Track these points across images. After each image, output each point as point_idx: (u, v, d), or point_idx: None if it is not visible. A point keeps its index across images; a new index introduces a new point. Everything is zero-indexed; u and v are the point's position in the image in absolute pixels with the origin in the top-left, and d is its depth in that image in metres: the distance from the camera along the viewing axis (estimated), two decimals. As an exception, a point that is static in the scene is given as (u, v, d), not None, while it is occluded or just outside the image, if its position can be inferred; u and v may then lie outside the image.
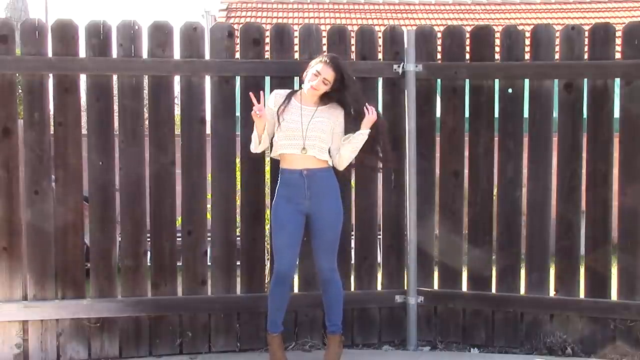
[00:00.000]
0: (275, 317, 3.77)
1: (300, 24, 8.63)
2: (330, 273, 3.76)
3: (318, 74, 3.62)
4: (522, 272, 4.13)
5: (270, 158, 4.07)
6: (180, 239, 4.05)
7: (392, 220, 4.21)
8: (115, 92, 3.95)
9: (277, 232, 3.71)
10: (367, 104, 3.72)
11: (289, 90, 3.83)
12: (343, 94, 3.68)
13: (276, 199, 3.75)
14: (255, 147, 3.77)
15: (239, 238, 4.12)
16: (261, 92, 3.73)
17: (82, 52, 3.92)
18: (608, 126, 3.98)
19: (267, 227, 4.26)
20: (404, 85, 4.09)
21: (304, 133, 3.64)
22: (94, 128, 3.95)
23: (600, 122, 3.99)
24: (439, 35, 4.15)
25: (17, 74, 3.95)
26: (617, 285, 4.00)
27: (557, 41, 4.03)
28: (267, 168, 4.17)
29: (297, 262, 3.95)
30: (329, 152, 3.72)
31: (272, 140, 3.76)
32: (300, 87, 3.80)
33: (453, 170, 4.17)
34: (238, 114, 4.07)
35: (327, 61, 3.64)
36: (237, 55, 4.06)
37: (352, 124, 3.71)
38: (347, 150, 3.71)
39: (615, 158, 3.97)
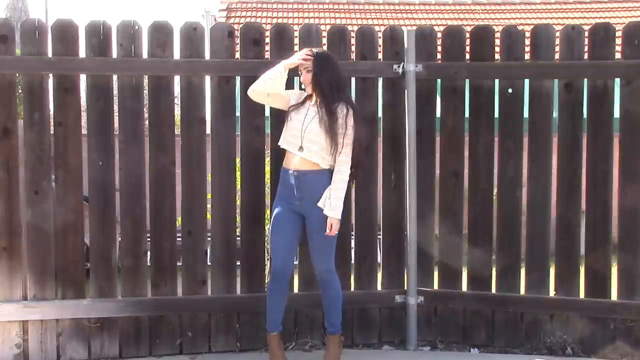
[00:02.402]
0: (274, 316, 3.78)
1: (300, 24, 8.63)
2: (326, 274, 3.75)
3: (301, 71, 3.67)
4: (522, 272, 4.13)
5: (271, 158, 4.08)
6: (180, 239, 4.05)
7: (392, 220, 4.21)
8: (115, 92, 3.95)
9: (273, 231, 3.72)
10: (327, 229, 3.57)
11: (307, 94, 3.77)
12: (318, 79, 3.62)
13: (275, 198, 3.78)
14: (257, 85, 3.70)
15: (239, 238, 4.12)
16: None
17: (82, 52, 3.92)
18: (608, 126, 3.98)
19: (267, 227, 4.26)
20: (404, 85, 4.09)
21: (302, 134, 3.64)
22: (94, 128, 3.95)
23: (600, 122, 3.99)
24: (439, 35, 4.15)
25: (17, 74, 3.95)
26: (617, 285, 4.00)
27: (557, 41, 4.04)
28: (267, 168, 4.17)
29: (296, 262, 3.95)
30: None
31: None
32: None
33: (453, 170, 4.17)
34: (238, 114, 4.07)
35: (305, 53, 3.67)
36: (237, 55, 4.06)
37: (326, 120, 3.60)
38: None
39: (615, 158, 3.97)
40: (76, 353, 3.98)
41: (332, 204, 3.58)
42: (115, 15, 43.44)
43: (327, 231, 3.57)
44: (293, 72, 3.94)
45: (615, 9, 12.57)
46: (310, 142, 3.63)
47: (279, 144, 3.77)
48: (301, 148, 3.64)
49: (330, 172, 3.68)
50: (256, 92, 3.74)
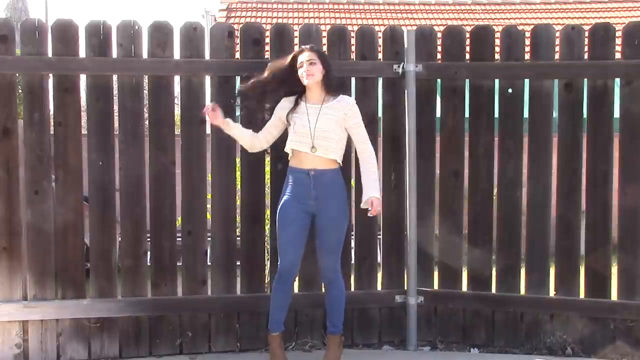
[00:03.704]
0: (277, 315, 3.77)
1: (300, 24, 8.62)
2: (333, 274, 3.75)
3: (302, 63, 3.65)
4: (522, 272, 4.13)
5: (270, 158, 4.08)
6: (180, 239, 4.05)
7: (392, 220, 4.21)
8: (115, 92, 3.95)
9: (282, 231, 3.70)
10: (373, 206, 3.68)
11: (295, 96, 3.78)
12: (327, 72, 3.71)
13: (283, 197, 3.73)
14: (248, 148, 3.87)
15: (239, 238, 4.12)
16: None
17: (82, 52, 3.92)
18: (608, 126, 3.98)
19: (267, 227, 4.26)
20: (404, 85, 4.09)
21: (312, 132, 3.63)
22: (94, 128, 3.95)
23: (600, 122, 3.99)
24: (439, 35, 4.15)
25: (17, 74, 3.95)
26: (617, 285, 4.00)
27: (557, 41, 4.04)
28: (267, 168, 4.17)
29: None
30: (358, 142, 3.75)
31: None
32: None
33: (453, 170, 4.17)
34: (238, 114, 4.07)
35: (303, 48, 3.71)
36: (237, 55, 4.06)
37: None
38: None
39: (615, 158, 3.97)
40: (76, 353, 3.98)
41: (372, 185, 3.67)
42: (115, 15, 43.45)
43: (370, 209, 3.65)
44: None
45: (615, 9, 12.57)
46: (323, 140, 3.62)
47: (286, 149, 3.75)
48: (314, 148, 3.63)
49: (340, 169, 3.75)
50: (251, 148, 3.87)
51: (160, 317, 4.04)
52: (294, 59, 3.71)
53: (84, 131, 3.92)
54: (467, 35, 4.13)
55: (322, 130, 3.63)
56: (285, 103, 3.78)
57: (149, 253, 4.10)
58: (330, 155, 3.65)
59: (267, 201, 4.20)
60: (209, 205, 4.09)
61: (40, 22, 3.94)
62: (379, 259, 4.30)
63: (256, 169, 4.08)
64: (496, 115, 4.13)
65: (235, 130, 3.81)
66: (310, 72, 3.65)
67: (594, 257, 4.01)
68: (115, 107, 4.00)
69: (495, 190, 4.14)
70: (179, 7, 51.36)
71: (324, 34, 4.11)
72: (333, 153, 3.66)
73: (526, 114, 4.10)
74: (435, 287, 4.23)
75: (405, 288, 4.20)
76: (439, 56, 4.21)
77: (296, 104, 3.74)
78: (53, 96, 3.92)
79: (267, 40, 4.09)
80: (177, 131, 4.11)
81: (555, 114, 4.06)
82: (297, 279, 4.17)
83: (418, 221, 4.13)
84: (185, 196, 4.03)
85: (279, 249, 3.75)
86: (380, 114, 4.19)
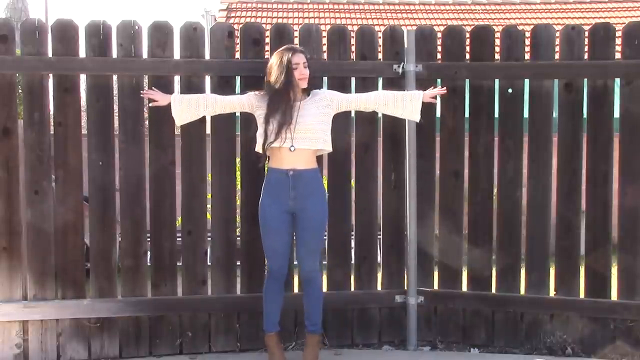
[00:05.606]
0: (272, 316, 3.78)
1: (300, 24, 8.63)
2: (312, 273, 3.74)
3: (297, 64, 3.59)
4: (522, 272, 4.13)
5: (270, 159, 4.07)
6: (180, 239, 4.05)
7: (392, 220, 4.22)
8: (115, 92, 3.95)
9: (267, 234, 3.70)
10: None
11: (263, 94, 3.69)
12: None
13: (262, 199, 3.70)
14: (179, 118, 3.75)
15: (239, 238, 4.12)
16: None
17: (82, 52, 3.92)
18: (608, 126, 3.98)
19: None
20: (404, 85, 4.09)
21: (293, 128, 3.58)
22: (94, 128, 3.95)
23: (600, 122, 3.99)
24: (439, 35, 4.15)
25: (17, 74, 3.95)
26: (617, 285, 4.00)
27: (557, 41, 4.04)
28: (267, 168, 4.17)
29: (296, 262, 3.95)
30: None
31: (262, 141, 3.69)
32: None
33: (453, 170, 4.17)
34: (238, 114, 4.07)
35: (295, 49, 3.65)
36: (237, 55, 4.06)
37: None
38: (385, 101, 3.81)
39: (615, 158, 3.97)
40: (76, 353, 3.98)
41: (406, 94, 3.84)
42: (115, 15, 43.45)
43: (434, 94, 3.85)
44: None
45: (615, 9, 12.56)
46: (306, 132, 3.59)
47: (258, 149, 3.67)
48: (293, 146, 3.59)
49: (318, 170, 3.74)
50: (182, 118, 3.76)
51: (160, 317, 4.04)
52: (289, 61, 3.58)
53: (84, 131, 3.92)
54: (467, 35, 4.13)
55: (304, 124, 3.58)
56: (261, 102, 3.66)
57: (149, 253, 4.10)
58: (317, 146, 3.63)
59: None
60: (209, 205, 4.10)
61: (40, 22, 3.94)
62: (379, 259, 4.30)
63: (256, 169, 4.07)
64: (496, 115, 4.13)
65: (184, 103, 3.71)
66: (305, 76, 3.62)
67: (594, 257, 4.01)
68: (115, 107, 4.00)
69: (495, 190, 4.15)
70: (179, 7, 51.41)
71: (324, 34, 4.11)
72: (320, 143, 3.63)
73: (526, 114, 4.10)
74: (435, 287, 4.23)
75: (405, 288, 4.20)
76: (439, 56, 4.21)
77: (285, 103, 3.58)
78: (53, 96, 3.92)
79: (267, 40, 4.09)
80: (177, 131, 4.12)
81: (555, 114, 4.06)
82: (297, 278, 4.17)
83: (418, 221, 4.13)
84: (185, 196, 4.03)
85: (266, 252, 3.75)
86: (380, 114, 4.18)
